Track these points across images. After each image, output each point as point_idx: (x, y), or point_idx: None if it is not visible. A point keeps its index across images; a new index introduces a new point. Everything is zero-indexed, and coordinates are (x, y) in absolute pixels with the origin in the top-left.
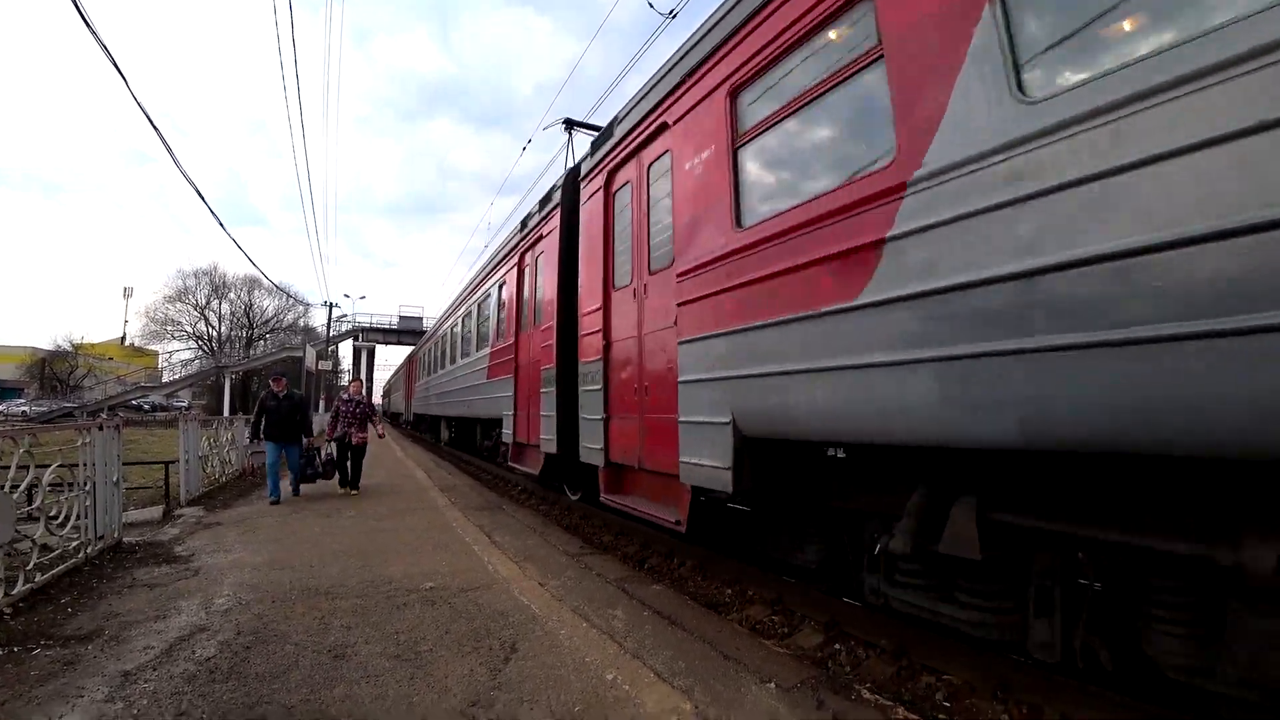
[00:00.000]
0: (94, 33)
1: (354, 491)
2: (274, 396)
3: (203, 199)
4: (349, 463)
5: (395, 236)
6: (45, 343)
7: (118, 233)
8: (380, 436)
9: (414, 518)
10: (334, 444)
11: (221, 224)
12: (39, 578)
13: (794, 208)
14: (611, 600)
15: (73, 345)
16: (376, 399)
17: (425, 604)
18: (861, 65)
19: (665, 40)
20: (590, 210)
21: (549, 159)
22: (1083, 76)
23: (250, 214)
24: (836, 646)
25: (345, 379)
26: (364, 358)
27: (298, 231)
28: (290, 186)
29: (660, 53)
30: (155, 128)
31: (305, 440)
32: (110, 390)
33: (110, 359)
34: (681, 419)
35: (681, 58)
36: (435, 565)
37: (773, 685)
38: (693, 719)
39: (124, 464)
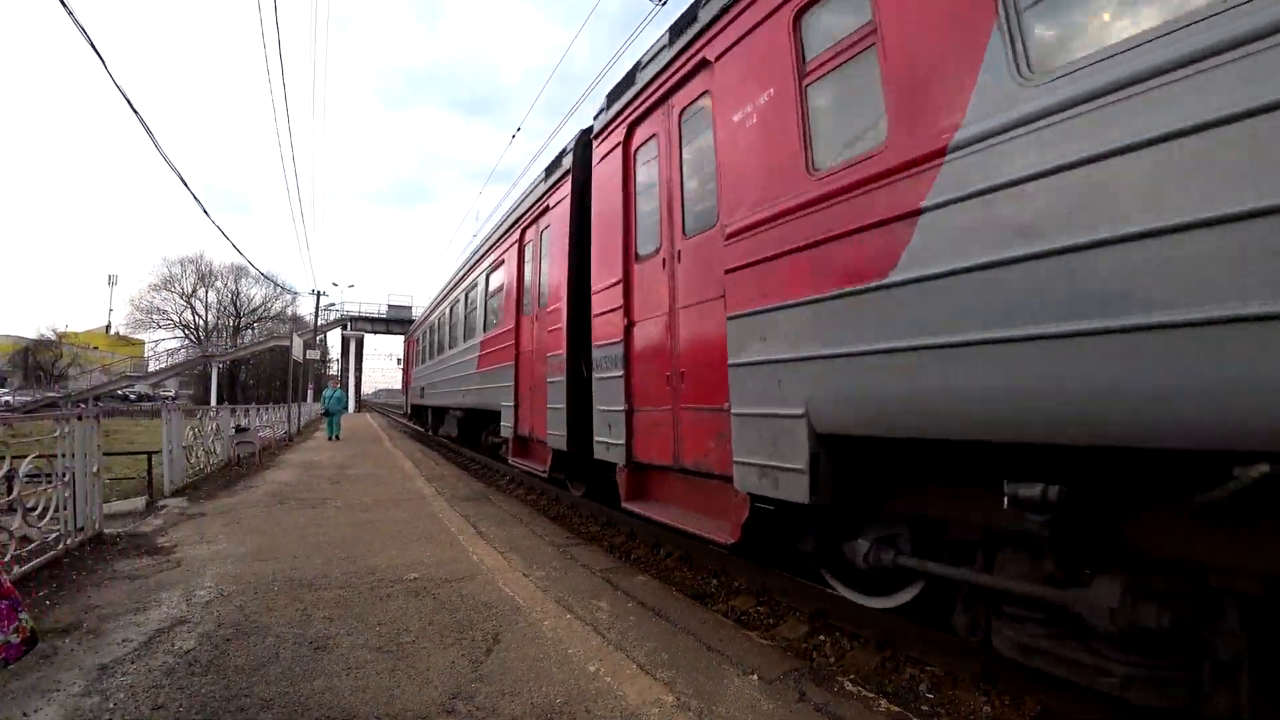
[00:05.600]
0: (68, 10)
1: None
2: None
3: (187, 186)
4: None
5: (383, 224)
6: (29, 331)
7: (102, 219)
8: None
9: (399, 509)
10: None
11: (206, 211)
12: (16, 570)
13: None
14: (596, 591)
15: (57, 334)
16: (369, 386)
17: (409, 595)
18: None
19: (654, 29)
20: (605, 172)
21: (539, 146)
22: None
23: (235, 200)
24: (821, 638)
25: (334, 369)
26: (352, 347)
27: (284, 218)
28: (274, 173)
29: (647, 42)
30: (136, 111)
31: None
32: (95, 380)
33: (95, 348)
34: (735, 411)
35: None
36: (420, 556)
37: (755, 677)
38: (674, 711)
39: (107, 454)
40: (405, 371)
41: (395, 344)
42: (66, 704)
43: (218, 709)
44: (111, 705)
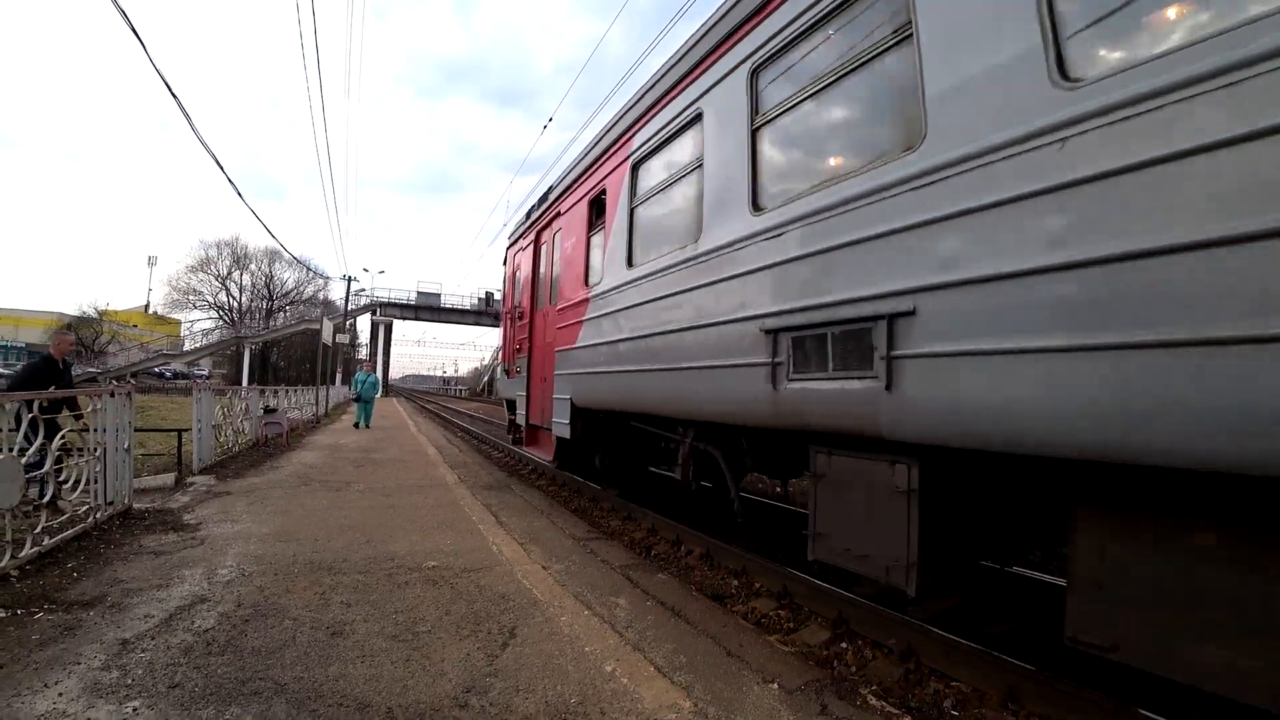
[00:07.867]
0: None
1: None
2: None
3: (222, 169)
4: None
5: (413, 213)
6: (71, 308)
7: (144, 201)
8: None
9: (421, 495)
10: None
11: (240, 194)
12: (46, 541)
13: None
14: (615, 588)
15: (98, 312)
16: (396, 371)
17: (427, 584)
18: None
19: (688, 23)
20: None
21: (570, 137)
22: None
23: (270, 187)
24: (843, 645)
25: (363, 353)
26: (381, 332)
27: (316, 205)
28: (309, 161)
29: (679, 35)
30: (174, 95)
31: None
32: (133, 357)
33: (134, 326)
34: None
35: None
36: (439, 544)
37: (775, 686)
38: (692, 718)
39: (140, 430)
40: (512, 318)
41: (422, 330)
42: (86, 677)
43: (232, 691)
44: (130, 681)
